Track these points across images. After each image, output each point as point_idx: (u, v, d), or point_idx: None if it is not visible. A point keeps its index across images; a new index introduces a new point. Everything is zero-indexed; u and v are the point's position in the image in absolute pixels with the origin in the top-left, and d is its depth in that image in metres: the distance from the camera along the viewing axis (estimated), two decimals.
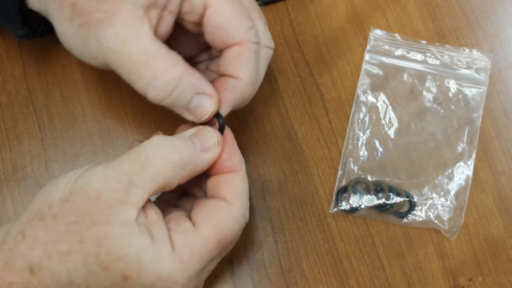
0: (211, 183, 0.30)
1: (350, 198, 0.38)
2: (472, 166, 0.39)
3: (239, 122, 0.39)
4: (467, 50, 0.41)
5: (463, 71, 0.40)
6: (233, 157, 0.30)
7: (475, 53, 0.41)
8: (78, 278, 0.25)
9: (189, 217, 0.28)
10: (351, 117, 0.40)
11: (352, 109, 0.40)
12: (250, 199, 0.38)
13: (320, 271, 0.37)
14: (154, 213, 0.27)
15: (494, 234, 0.38)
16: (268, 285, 0.37)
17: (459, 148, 0.39)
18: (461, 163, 0.39)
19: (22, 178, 0.38)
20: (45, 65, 0.40)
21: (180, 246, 0.26)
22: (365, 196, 0.38)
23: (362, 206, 0.38)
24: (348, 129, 0.39)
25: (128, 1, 0.27)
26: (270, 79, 0.40)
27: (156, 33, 0.29)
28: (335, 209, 0.38)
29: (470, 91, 0.40)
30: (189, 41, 0.34)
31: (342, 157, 0.39)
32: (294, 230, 0.38)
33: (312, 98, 0.40)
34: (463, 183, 0.39)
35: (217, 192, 0.29)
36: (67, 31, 0.29)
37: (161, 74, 0.27)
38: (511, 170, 0.39)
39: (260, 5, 0.41)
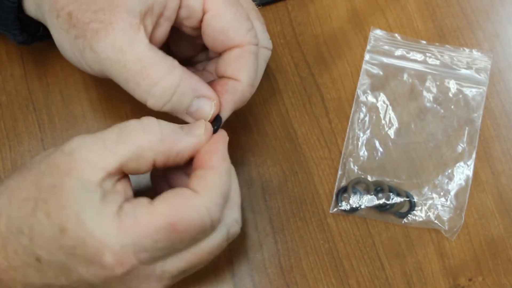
0: (189, 179, 0.29)
1: (350, 198, 0.38)
2: (472, 166, 0.39)
3: (239, 122, 0.39)
4: (467, 50, 0.41)
5: (463, 71, 0.40)
6: (215, 154, 0.29)
7: (475, 53, 0.41)
8: (24, 225, 0.25)
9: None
10: (351, 117, 0.40)
11: (352, 109, 0.40)
12: (250, 199, 0.38)
13: (320, 271, 0.37)
14: (122, 186, 0.27)
15: (494, 234, 0.39)
16: (268, 285, 0.37)
17: (459, 148, 0.39)
18: (461, 163, 0.39)
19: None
20: (45, 65, 0.40)
21: (125, 213, 0.25)
22: (365, 196, 0.38)
23: (362, 206, 0.38)
24: (348, 129, 0.39)
25: (124, 9, 0.27)
26: (270, 79, 0.40)
27: (152, 39, 0.29)
28: (335, 209, 0.38)
29: (470, 91, 0.40)
30: (186, 43, 0.34)
31: (342, 157, 0.39)
32: (294, 230, 0.38)
33: (312, 98, 0.40)
34: (463, 183, 0.39)
35: (189, 184, 0.28)
36: (63, 41, 0.30)
37: (159, 81, 0.27)
38: (511, 170, 0.39)
39: (258, 5, 0.41)
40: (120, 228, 0.25)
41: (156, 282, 0.28)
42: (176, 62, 0.29)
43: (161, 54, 0.28)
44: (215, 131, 0.30)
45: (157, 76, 0.27)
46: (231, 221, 0.29)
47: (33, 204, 0.25)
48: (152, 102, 0.28)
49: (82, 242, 0.25)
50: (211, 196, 0.27)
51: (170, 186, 0.31)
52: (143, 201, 0.26)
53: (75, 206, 0.25)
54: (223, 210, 0.28)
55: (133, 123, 0.27)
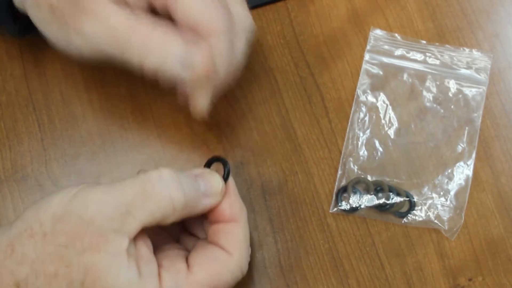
0: (211, 230, 0.30)
1: (350, 198, 0.38)
2: (472, 166, 0.39)
3: (239, 122, 0.39)
4: (467, 50, 0.41)
5: (463, 71, 0.40)
6: (234, 206, 0.30)
7: (475, 53, 0.41)
8: None
9: (186, 258, 0.28)
10: (351, 117, 0.40)
11: (352, 109, 0.40)
12: (250, 199, 0.38)
13: (320, 271, 0.37)
14: (144, 246, 0.27)
15: (494, 234, 0.38)
16: (268, 285, 0.37)
17: (459, 148, 0.39)
18: (461, 163, 0.39)
19: (22, 178, 0.38)
20: (45, 65, 0.40)
21: (168, 285, 0.26)
22: (365, 196, 0.38)
23: (362, 206, 0.38)
24: (348, 129, 0.39)
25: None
26: (270, 79, 0.40)
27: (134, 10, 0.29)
28: (335, 209, 0.38)
29: (470, 91, 0.40)
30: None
31: (342, 157, 0.39)
32: (294, 230, 0.38)
33: (312, 98, 0.40)
34: (463, 183, 0.39)
35: (217, 240, 0.29)
36: (49, 32, 0.30)
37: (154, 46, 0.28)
38: (511, 170, 0.39)
39: (253, 7, 0.41)
40: None
41: None
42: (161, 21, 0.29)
43: (145, 19, 0.29)
44: (226, 176, 0.30)
45: (156, 43, 0.28)
46: (245, 262, 0.31)
47: (66, 283, 0.24)
48: (162, 75, 0.29)
49: None
50: (241, 253, 0.29)
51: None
52: (181, 268, 0.27)
53: (117, 287, 0.24)
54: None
55: (158, 187, 0.26)
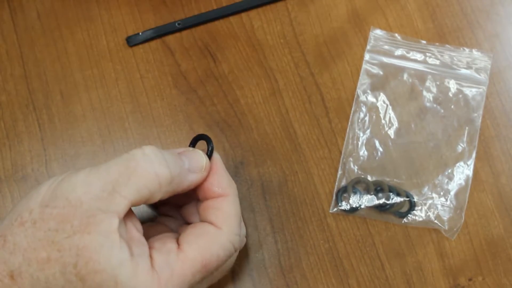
0: (201, 208, 0.30)
1: (350, 198, 0.38)
2: (472, 166, 0.39)
3: (239, 122, 0.39)
4: (467, 50, 0.41)
5: (463, 71, 0.40)
6: (221, 181, 0.30)
7: (475, 53, 0.41)
8: (56, 286, 0.25)
9: (177, 240, 0.28)
10: (351, 117, 0.40)
11: (352, 109, 0.40)
12: (250, 199, 0.38)
13: (320, 271, 0.37)
14: (134, 228, 0.27)
15: (494, 234, 0.38)
16: (268, 285, 0.37)
17: (459, 148, 0.39)
18: (461, 163, 0.39)
19: (22, 178, 0.38)
20: (45, 65, 0.40)
21: (160, 266, 0.26)
22: (365, 196, 0.38)
23: (362, 206, 0.38)
24: (348, 129, 0.39)
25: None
26: (270, 79, 0.40)
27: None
28: (335, 209, 0.38)
29: (470, 91, 0.40)
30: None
31: (342, 157, 0.39)
32: (294, 230, 0.38)
33: (312, 98, 0.40)
34: (463, 183, 0.39)
35: (206, 217, 0.29)
36: None
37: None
38: (511, 170, 0.39)
39: (253, 8, 0.41)
40: (160, 282, 0.25)
41: None
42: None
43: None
44: (210, 153, 0.31)
45: None
46: (242, 237, 0.31)
47: (59, 267, 0.24)
48: None
49: None
50: (231, 229, 0.29)
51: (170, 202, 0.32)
52: (172, 247, 0.27)
53: (108, 269, 0.24)
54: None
55: (142, 164, 0.26)
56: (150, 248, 0.27)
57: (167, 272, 0.26)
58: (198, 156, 0.29)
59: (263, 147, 0.39)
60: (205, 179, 0.30)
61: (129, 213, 0.27)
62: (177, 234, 0.30)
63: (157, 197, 0.27)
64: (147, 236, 0.29)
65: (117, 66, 0.40)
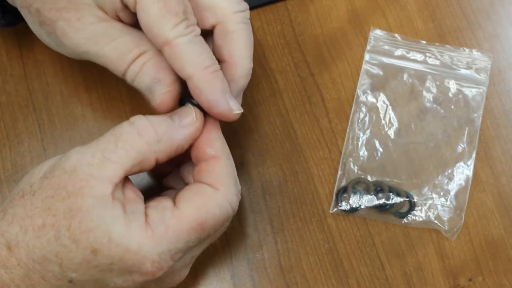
0: (195, 171, 0.30)
1: (350, 198, 0.38)
2: (472, 166, 0.39)
3: (239, 122, 0.39)
4: (467, 50, 0.41)
5: (463, 71, 0.40)
6: (214, 142, 0.29)
7: (475, 53, 0.41)
8: (50, 253, 0.25)
9: (174, 200, 0.28)
10: (351, 117, 0.40)
11: (352, 109, 0.40)
12: (250, 199, 0.38)
13: (320, 271, 0.37)
14: (132, 192, 0.27)
15: (494, 234, 0.38)
16: (268, 285, 0.37)
17: (459, 148, 0.39)
18: (461, 163, 0.39)
19: (22, 178, 0.38)
20: (45, 65, 0.39)
21: (155, 222, 0.26)
22: (365, 196, 0.38)
23: (362, 206, 0.38)
24: (348, 129, 0.39)
25: (84, 6, 0.28)
26: (270, 79, 0.40)
27: (124, 22, 0.30)
28: (335, 209, 0.38)
29: (470, 91, 0.40)
30: None
31: (342, 157, 0.39)
32: (294, 230, 0.38)
33: (312, 98, 0.40)
34: (463, 183, 0.39)
35: (201, 179, 0.29)
36: (39, 34, 0.31)
37: (131, 62, 0.29)
38: (511, 170, 0.39)
39: (253, 8, 0.41)
40: (154, 238, 0.25)
41: (186, 268, 0.30)
42: (152, 44, 0.29)
43: (137, 35, 0.29)
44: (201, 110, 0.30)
45: (131, 58, 0.29)
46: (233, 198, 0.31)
47: (53, 231, 0.25)
48: (127, 77, 0.30)
49: (119, 258, 0.25)
50: (228, 189, 0.28)
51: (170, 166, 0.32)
52: (167, 205, 0.27)
53: (101, 226, 0.25)
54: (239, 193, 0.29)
55: (126, 129, 0.27)
56: (146, 207, 0.27)
57: (161, 228, 0.26)
58: (187, 109, 0.29)
59: (263, 148, 0.39)
60: (199, 137, 0.29)
61: (127, 183, 0.27)
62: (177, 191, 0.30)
63: (151, 158, 0.27)
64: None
65: None
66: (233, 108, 0.29)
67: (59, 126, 0.39)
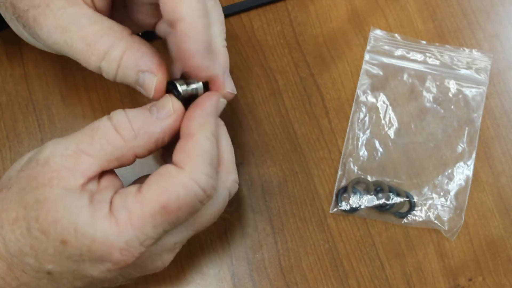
0: (173, 151, 0.28)
1: (350, 198, 0.38)
2: (472, 166, 0.39)
3: (239, 122, 0.39)
4: (467, 50, 0.41)
5: (463, 71, 0.40)
6: (191, 120, 0.27)
7: (475, 53, 0.41)
8: (25, 246, 0.25)
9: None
10: (351, 117, 0.40)
11: (352, 109, 0.40)
12: (250, 199, 0.38)
13: (320, 271, 0.37)
14: (107, 181, 0.26)
15: (494, 234, 0.39)
16: (268, 285, 0.37)
17: (459, 148, 0.39)
18: (461, 163, 0.39)
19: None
20: (45, 65, 0.39)
21: (117, 209, 0.25)
22: (365, 196, 0.38)
23: (362, 206, 0.38)
24: (348, 129, 0.39)
25: None
26: (270, 79, 0.40)
27: (96, 7, 0.28)
28: (335, 209, 0.38)
29: (470, 91, 0.40)
30: (142, 7, 0.31)
31: (342, 157, 0.39)
32: (294, 230, 0.38)
33: (312, 98, 0.40)
34: (463, 183, 0.39)
35: (172, 158, 0.27)
36: (20, 32, 0.30)
37: (104, 55, 0.27)
38: (511, 170, 0.39)
39: (253, 8, 0.41)
40: (118, 225, 0.25)
41: (168, 254, 0.28)
42: (125, 33, 0.28)
43: (107, 25, 0.27)
44: (182, 98, 0.28)
45: (103, 51, 0.27)
46: (231, 183, 0.29)
47: (25, 224, 0.25)
48: (105, 75, 0.28)
49: (87, 249, 0.25)
50: (195, 167, 0.26)
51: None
52: (131, 190, 0.26)
53: (67, 217, 0.24)
54: (216, 175, 0.27)
55: (104, 123, 0.26)
56: (115, 194, 0.26)
57: (124, 215, 0.25)
58: (164, 99, 0.28)
59: (263, 148, 0.39)
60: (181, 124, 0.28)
61: (107, 174, 0.27)
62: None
63: (129, 154, 0.26)
64: None
65: None
66: (209, 65, 0.27)
67: (59, 126, 0.39)
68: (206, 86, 0.29)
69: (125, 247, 0.25)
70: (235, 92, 0.29)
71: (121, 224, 0.25)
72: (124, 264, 0.25)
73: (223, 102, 0.30)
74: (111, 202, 0.25)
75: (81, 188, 0.25)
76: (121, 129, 0.26)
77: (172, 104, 0.27)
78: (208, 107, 0.28)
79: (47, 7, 0.27)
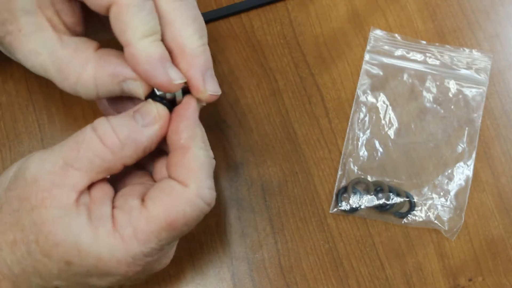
0: (167, 164, 0.27)
1: (350, 198, 0.38)
2: (472, 166, 0.39)
3: (239, 122, 0.39)
4: (467, 50, 0.41)
5: (463, 71, 0.40)
6: (182, 131, 0.27)
7: (475, 53, 0.41)
8: (28, 267, 0.25)
9: (144, 194, 0.27)
10: (351, 117, 0.40)
11: (352, 109, 0.40)
12: (250, 199, 0.38)
13: (320, 271, 0.37)
14: (99, 191, 0.26)
15: (494, 234, 0.39)
16: (268, 285, 0.37)
17: (459, 148, 0.39)
18: (461, 163, 0.39)
19: None
20: None
21: (122, 225, 0.25)
22: (365, 196, 0.38)
23: (362, 206, 0.38)
24: (348, 129, 0.39)
25: (21, 13, 0.27)
26: (270, 79, 0.40)
27: (67, 24, 0.28)
28: (335, 209, 0.38)
29: (470, 91, 0.40)
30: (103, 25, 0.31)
31: (342, 157, 0.39)
32: (294, 230, 0.38)
33: (312, 98, 0.40)
34: (463, 183, 0.39)
35: (170, 173, 0.27)
36: (4, 52, 0.30)
37: (76, 80, 0.27)
38: (511, 170, 0.39)
39: (253, 8, 0.41)
40: (124, 241, 0.25)
41: (167, 259, 0.29)
42: (90, 50, 0.27)
43: (72, 47, 0.27)
44: (167, 103, 0.28)
45: (74, 76, 0.27)
46: (206, 191, 0.29)
47: (25, 247, 0.24)
48: (85, 97, 0.28)
49: (93, 267, 0.25)
50: (199, 183, 0.26)
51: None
52: (134, 204, 0.26)
53: (68, 238, 0.24)
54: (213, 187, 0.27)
55: (88, 135, 0.26)
56: (113, 208, 0.26)
57: (129, 231, 0.25)
58: (148, 105, 0.27)
59: (263, 148, 0.39)
60: (167, 130, 0.27)
61: (99, 184, 0.26)
62: (148, 185, 0.28)
63: (117, 164, 0.26)
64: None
65: None
66: (173, 78, 0.26)
67: (59, 126, 0.39)
68: (187, 88, 0.28)
69: (132, 261, 0.25)
70: (219, 93, 0.28)
71: (126, 240, 0.25)
72: (132, 274, 0.26)
73: (200, 106, 0.29)
74: (113, 217, 0.25)
75: (75, 204, 0.25)
76: (107, 140, 0.25)
77: (157, 110, 0.27)
78: (191, 116, 0.27)
79: (19, 32, 0.27)
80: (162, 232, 0.25)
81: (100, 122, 0.26)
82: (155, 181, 0.30)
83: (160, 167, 0.29)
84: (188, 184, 0.26)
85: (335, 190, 0.38)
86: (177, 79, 0.26)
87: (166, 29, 0.27)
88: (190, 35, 0.27)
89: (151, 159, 0.30)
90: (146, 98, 0.28)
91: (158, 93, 0.27)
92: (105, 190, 0.26)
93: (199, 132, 0.28)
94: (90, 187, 0.26)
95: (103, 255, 0.24)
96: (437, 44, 0.41)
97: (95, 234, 0.24)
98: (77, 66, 0.27)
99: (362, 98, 0.40)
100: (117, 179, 0.28)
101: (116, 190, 0.27)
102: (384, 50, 0.41)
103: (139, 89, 0.27)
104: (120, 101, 0.30)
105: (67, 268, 0.25)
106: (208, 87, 0.27)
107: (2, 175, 0.27)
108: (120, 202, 0.26)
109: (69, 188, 0.25)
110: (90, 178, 0.25)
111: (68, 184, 0.25)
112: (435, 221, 0.38)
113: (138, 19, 0.25)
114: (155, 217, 0.25)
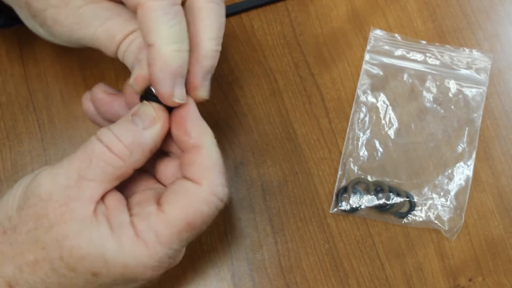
0: (180, 164, 0.28)
1: (350, 198, 0.38)
2: (472, 166, 0.39)
3: (239, 122, 0.39)
4: (467, 50, 0.41)
5: (463, 71, 0.40)
6: (191, 131, 0.27)
7: (475, 53, 0.41)
8: (53, 284, 0.25)
9: (159, 200, 0.27)
10: (351, 117, 0.40)
11: (352, 109, 0.40)
12: (250, 199, 0.38)
13: (320, 271, 0.37)
14: (113, 199, 0.26)
15: (494, 234, 0.39)
16: (268, 285, 0.37)
17: (459, 148, 0.39)
18: (461, 163, 0.39)
19: None
20: (45, 65, 0.39)
21: (143, 231, 0.25)
22: (365, 196, 0.38)
23: (362, 206, 0.38)
24: (348, 129, 0.39)
25: None
26: (270, 79, 0.40)
27: None
28: (335, 209, 0.38)
29: (470, 91, 0.40)
30: None
31: (342, 157, 0.39)
32: (294, 230, 0.38)
33: (312, 98, 0.40)
34: (463, 183, 0.39)
35: (184, 173, 0.27)
36: (36, 29, 0.30)
37: (129, 43, 0.28)
38: (511, 170, 0.39)
39: (253, 8, 0.41)
40: (148, 247, 0.25)
41: (181, 254, 0.29)
42: (131, 14, 0.28)
43: (126, 14, 0.28)
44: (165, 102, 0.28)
45: (128, 40, 0.28)
46: (219, 188, 0.29)
47: (48, 265, 0.24)
48: (126, 62, 0.28)
49: (120, 275, 0.25)
50: (213, 181, 0.27)
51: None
52: (151, 210, 0.26)
53: (93, 250, 0.24)
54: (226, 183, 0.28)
55: (96, 145, 0.26)
56: (130, 215, 0.26)
57: (151, 236, 0.25)
58: (145, 107, 0.27)
59: (263, 148, 0.39)
60: (169, 129, 0.28)
61: (111, 193, 0.26)
62: (159, 190, 0.29)
63: (129, 169, 0.26)
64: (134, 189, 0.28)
65: (117, 66, 0.40)
66: (176, 95, 0.26)
67: (59, 126, 0.39)
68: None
69: (157, 265, 0.26)
70: (207, 98, 0.29)
71: (150, 246, 0.25)
72: (156, 277, 0.26)
73: None
74: (132, 224, 0.26)
75: (94, 215, 0.25)
76: (114, 148, 0.26)
77: (154, 110, 0.27)
78: (194, 114, 0.28)
79: (66, 6, 0.27)
80: (182, 233, 0.26)
81: (104, 133, 0.26)
82: (160, 182, 0.30)
83: (163, 168, 0.30)
84: (201, 183, 0.26)
85: (335, 190, 0.38)
86: (179, 98, 0.27)
87: (193, 21, 0.27)
88: (211, 38, 0.28)
89: (151, 160, 0.30)
90: (141, 95, 0.28)
91: (154, 91, 0.27)
92: (118, 198, 0.27)
93: (207, 129, 0.28)
94: (103, 197, 0.26)
95: (129, 262, 0.25)
96: (437, 44, 0.41)
97: (119, 243, 0.25)
98: (125, 32, 0.28)
99: (362, 98, 0.40)
100: (123, 185, 0.29)
101: (124, 196, 0.28)
102: (384, 50, 0.41)
103: (135, 73, 0.28)
104: (107, 107, 0.30)
105: (93, 280, 0.25)
106: (201, 90, 0.28)
107: (6, 195, 0.26)
108: (137, 210, 0.27)
109: (86, 200, 0.25)
110: (104, 187, 0.26)
111: (85, 196, 0.25)
112: (435, 221, 0.38)
113: (162, 22, 0.26)
114: (174, 220, 0.26)
